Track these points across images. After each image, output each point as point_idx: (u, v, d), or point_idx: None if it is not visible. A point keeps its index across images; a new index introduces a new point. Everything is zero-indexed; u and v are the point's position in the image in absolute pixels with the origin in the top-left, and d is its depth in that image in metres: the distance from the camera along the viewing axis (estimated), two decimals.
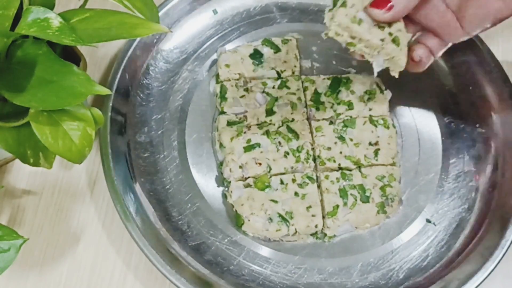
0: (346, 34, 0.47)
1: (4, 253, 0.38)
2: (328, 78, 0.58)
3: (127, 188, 0.51)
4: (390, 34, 0.48)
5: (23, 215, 0.53)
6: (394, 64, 0.49)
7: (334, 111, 0.57)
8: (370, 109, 0.57)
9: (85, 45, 0.39)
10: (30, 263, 0.51)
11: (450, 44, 0.51)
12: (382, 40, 0.47)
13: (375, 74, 0.49)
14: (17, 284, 0.50)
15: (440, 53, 0.51)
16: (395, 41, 0.48)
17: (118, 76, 0.55)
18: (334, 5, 0.47)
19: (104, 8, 0.42)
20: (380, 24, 0.47)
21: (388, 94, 0.58)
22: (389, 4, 0.45)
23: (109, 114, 0.53)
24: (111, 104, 0.53)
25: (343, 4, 0.47)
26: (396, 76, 0.50)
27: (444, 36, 0.49)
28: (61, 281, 0.50)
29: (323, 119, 0.56)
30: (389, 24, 0.47)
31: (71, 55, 0.49)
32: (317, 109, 0.57)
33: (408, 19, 0.48)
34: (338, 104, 0.57)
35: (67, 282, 0.50)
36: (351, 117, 0.56)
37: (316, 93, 0.57)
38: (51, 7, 0.41)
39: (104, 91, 0.40)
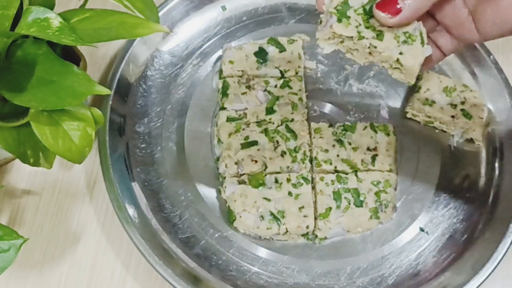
0: (421, 114, 0.57)
1: (4, 253, 0.38)
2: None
3: (122, 176, 0.52)
4: (463, 110, 0.56)
5: (23, 215, 0.53)
6: (470, 135, 0.56)
7: None
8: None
9: (85, 45, 0.39)
10: (30, 263, 0.51)
11: (462, 45, 0.45)
12: (453, 116, 0.56)
13: (454, 144, 0.57)
14: (17, 284, 0.50)
15: (451, 53, 0.46)
16: (466, 115, 0.56)
17: (118, 75, 0.55)
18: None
19: (104, 8, 0.42)
20: (453, 103, 0.56)
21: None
22: (397, 6, 0.39)
23: (108, 113, 0.53)
24: (110, 104, 0.54)
25: (417, 90, 0.56)
26: (480, 143, 0.57)
27: (458, 36, 0.44)
28: (61, 281, 0.51)
29: (322, 121, 0.56)
30: (463, 102, 0.55)
31: (71, 55, 0.49)
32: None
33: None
34: None
35: (67, 282, 0.51)
36: (351, 122, 0.56)
37: None
38: (51, 7, 0.41)
39: (104, 91, 0.40)
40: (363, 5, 0.42)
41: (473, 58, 0.59)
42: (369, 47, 0.41)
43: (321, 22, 0.42)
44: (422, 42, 0.44)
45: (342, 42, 0.41)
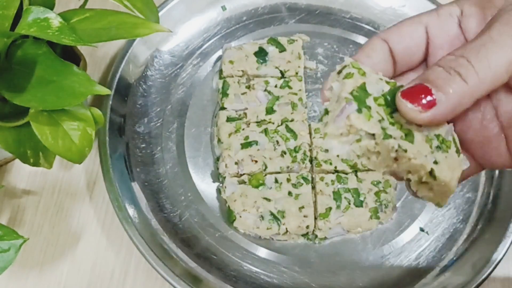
0: None
1: (4, 253, 0.38)
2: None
3: (122, 176, 0.52)
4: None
5: (23, 215, 0.53)
6: None
7: None
8: None
9: (85, 45, 0.39)
10: (30, 263, 0.51)
11: (480, 170, 0.34)
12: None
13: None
14: (17, 284, 0.50)
15: (464, 178, 0.33)
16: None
17: (118, 75, 0.55)
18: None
19: (104, 8, 0.42)
20: None
21: None
22: (430, 97, 0.28)
23: (108, 113, 0.53)
24: (110, 104, 0.54)
25: None
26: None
27: (479, 156, 0.33)
28: (61, 281, 0.50)
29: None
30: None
31: (71, 55, 0.49)
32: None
33: None
34: None
35: (67, 282, 0.50)
36: None
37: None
38: (51, 7, 0.41)
39: (104, 91, 0.40)
40: (384, 93, 0.31)
41: None
42: (396, 151, 0.29)
43: (327, 112, 0.31)
44: (458, 151, 0.32)
45: (358, 140, 0.30)
